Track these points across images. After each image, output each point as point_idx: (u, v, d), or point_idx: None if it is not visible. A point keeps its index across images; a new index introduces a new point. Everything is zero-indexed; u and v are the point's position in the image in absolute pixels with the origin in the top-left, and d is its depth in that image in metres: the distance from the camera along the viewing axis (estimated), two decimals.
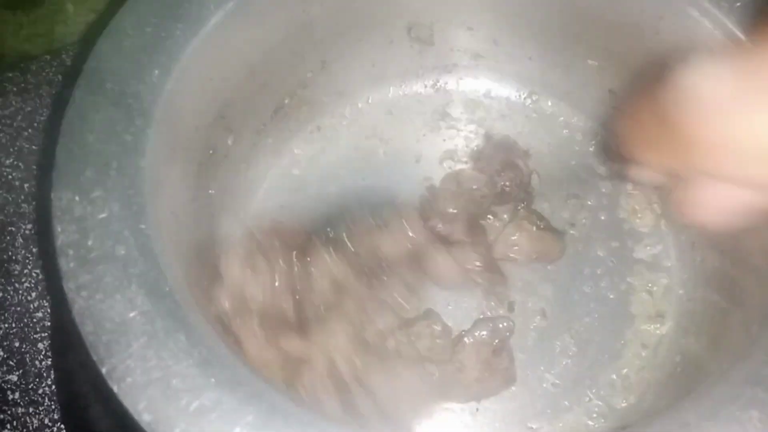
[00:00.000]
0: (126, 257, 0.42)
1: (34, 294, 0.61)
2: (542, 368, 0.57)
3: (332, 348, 0.51)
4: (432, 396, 0.54)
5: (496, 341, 0.56)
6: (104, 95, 0.47)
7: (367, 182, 0.64)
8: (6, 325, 0.60)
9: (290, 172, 0.65)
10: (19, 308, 0.61)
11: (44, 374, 0.58)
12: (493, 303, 0.59)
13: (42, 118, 0.69)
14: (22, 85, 0.71)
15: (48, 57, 0.72)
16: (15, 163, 0.67)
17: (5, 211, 0.64)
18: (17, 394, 0.57)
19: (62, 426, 0.57)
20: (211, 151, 0.56)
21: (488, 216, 0.62)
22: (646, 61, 0.59)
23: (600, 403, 0.56)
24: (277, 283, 0.53)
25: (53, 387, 0.58)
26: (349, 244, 0.55)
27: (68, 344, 0.56)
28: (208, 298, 0.50)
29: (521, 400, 0.56)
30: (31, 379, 0.58)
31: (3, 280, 0.62)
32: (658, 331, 0.58)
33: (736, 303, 0.52)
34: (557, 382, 0.57)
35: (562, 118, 0.67)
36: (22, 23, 0.74)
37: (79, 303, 0.40)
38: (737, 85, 0.32)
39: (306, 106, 0.65)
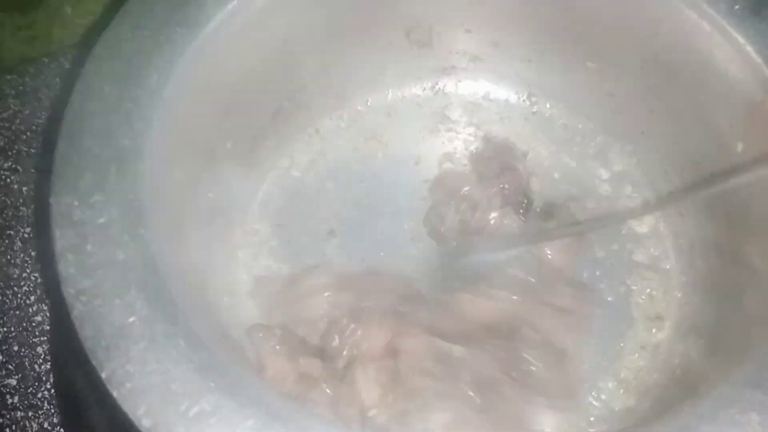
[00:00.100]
0: (125, 262, 0.42)
1: (33, 298, 0.61)
2: None
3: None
4: None
5: None
6: (103, 99, 0.47)
7: (366, 185, 0.64)
8: (5, 329, 0.60)
9: (289, 175, 0.65)
10: (18, 312, 0.60)
11: (43, 378, 0.58)
12: None
13: (40, 122, 0.69)
14: (20, 88, 0.70)
15: (46, 60, 0.72)
16: (13, 166, 0.67)
17: (3, 215, 0.64)
18: (16, 398, 0.57)
19: (61, 430, 0.56)
20: (210, 155, 0.56)
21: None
22: (644, 63, 0.59)
23: (598, 405, 0.56)
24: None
25: (52, 391, 0.58)
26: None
27: (67, 348, 0.56)
28: None
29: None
30: (30, 383, 0.58)
31: (2, 283, 0.61)
32: (657, 334, 0.58)
33: (736, 306, 0.52)
34: None
35: (561, 121, 0.67)
36: (20, 26, 0.74)
37: (78, 308, 0.40)
38: None
39: (305, 110, 0.65)
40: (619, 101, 0.64)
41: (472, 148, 0.66)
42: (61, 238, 0.42)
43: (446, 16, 0.64)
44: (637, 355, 0.57)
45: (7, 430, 0.56)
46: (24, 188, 0.66)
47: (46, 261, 0.61)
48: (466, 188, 0.61)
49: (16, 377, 0.58)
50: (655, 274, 0.60)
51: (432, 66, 0.68)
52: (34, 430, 0.56)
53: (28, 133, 0.68)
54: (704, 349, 0.53)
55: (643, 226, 0.62)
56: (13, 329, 0.60)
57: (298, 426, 0.38)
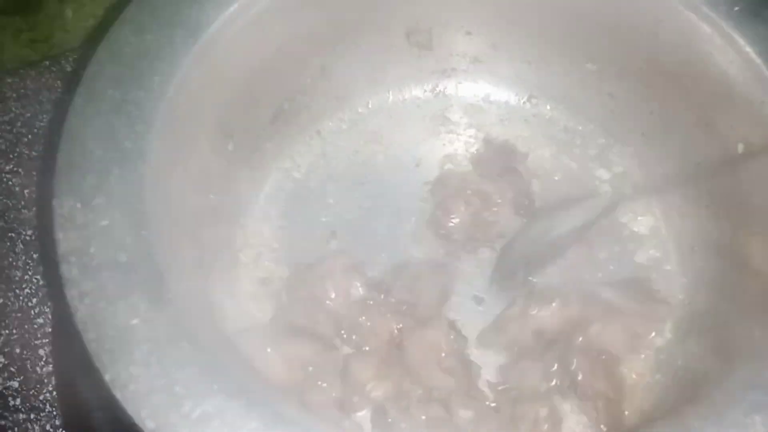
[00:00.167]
0: (128, 264, 0.42)
1: (34, 300, 0.61)
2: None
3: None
4: None
5: None
6: (105, 102, 0.47)
7: (367, 187, 0.64)
8: (7, 332, 0.60)
9: (290, 177, 0.65)
10: (19, 314, 0.60)
11: (45, 380, 0.58)
12: None
13: (42, 124, 0.69)
14: (22, 90, 0.70)
15: (47, 63, 0.72)
16: (15, 169, 0.67)
17: (5, 217, 0.64)
18: (18, 401, 0.57)
19: None
20: (211, 157, 0.56)
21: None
22: (645, 65, 0.59)
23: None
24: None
25: (54, 393, 0.58)
26: None
27: (69, 350, 0.56)
28: None
29: None
30: (32, 386, 0.58)
31: (4, 286, 0.61)
32: (659, 335, 0.58)
33: (738, 307, 0.52)
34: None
35: (561, 122, 0.67)
36: (21, 29, 0.74)
37: (81, 310, 0.40)
38: None
39: (306, 112, 0.65)
40: (619, 103, 0.64)
41: (473, 149, 0.66)
42: (64, 241, 0.43)
43: (446, 18, 0.65)
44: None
45: None
46: (25, 191, 0.66)
47: (49, 263, 0.61)
48: (473, 185, 0.61)
49: (18, 379, 0.58)
50: (656, 275, 0.60)
51: (432, 68, 0.68)
52: None
53: (30, 136, 0.68)
54: (706, 350, 0.53)
55: (644, 227, 0.62)
56: (15, 332, 0.60)
57: (301, 428, 0.38)
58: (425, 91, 0.69)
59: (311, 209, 0.63)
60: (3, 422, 0.56)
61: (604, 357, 0.55)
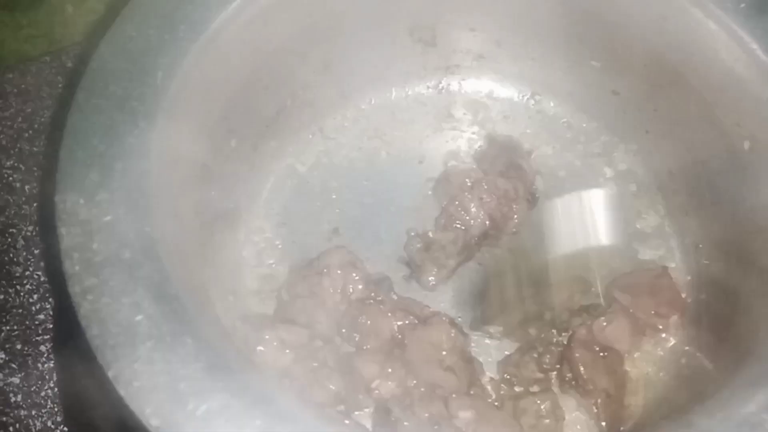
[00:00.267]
0: (131, 260, 0.42)
1: (35, 296, 0.61)
2: None
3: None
4: None
5: None
6: (108, 98, 0.47)
7: (370, 183, 0.64)
8: (8, 328, 0.59)
9: (293, 173, 0.64)
10: (20, 310, 0.60)
11: (46, 377, 0.58)
12: None
13: (42, 120, 0.69)
14: (22, 86, 0.70)
15: (48, 58, 0.72)
16: (15, 164, 0.67)
17: (6, 213, 0.64)
18: (19, 397, 0.57)
19: (65, 429, 0.56)
20: (214, 154, 0.56)
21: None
22: (649, 62, 0.59)
23: None
24: None
25: (55, 389, 0.57)
26: None
27: (70, 346, 0.56)
28: None
29: None
30: (33, 382, 0.58)
31: (4, 282, 0.61)
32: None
33: (742, 305, 0.52)
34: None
35: (565, 119, 0.67)
36: (22, 24, 0.74)
37: (84, 306, 0.40)
38: None
39: (308, 108, 0.65)
40: (623, 100, 0.64)
41: (477, 146, 0.66)
42: (67, 237, 0.42)
43: (450, 15, 0.64)
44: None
45: (11, 428, 0.56)
46: (26, 186, 0.65)
47: (51, 259, 0.60)
48: (483, 183, 0.61)
49: (20, 375, 0.58)
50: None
51: (436, 65, 0.68)
52: (37, 428, 0.56)
53: (30, 132, 0.68)
54: (710, 348, 0.53)
55: (648, 225, 0.62)
56: (16, 327, 0.60)
57: (305, 426, 0.38)
58: (429, 87, 0.69)
59: (314, 206, 0.63)
60: (4, 419, 0.56)
61: (606, 353, 0.54)
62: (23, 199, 0.65)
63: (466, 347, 0.55)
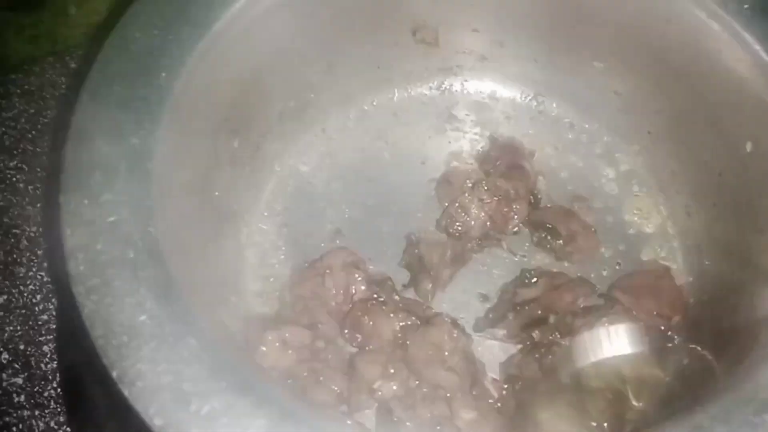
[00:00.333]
0: (135, 261, 0.42)
1: (39, 296, 0.61)
2: None
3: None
4: None
5: None
6: (112, 98, 0.47)
7: (372, 184, 0.64)
8: (11, 328, 0.60)
9: (296, 174, 0.64)
10: (24, 311, 0.60)
11: (50, 377, 0.58)
12: None
13: (46, 121, 0.69)
14: (26, 87, 0.71)
15: (51, 59, 0.72)
16: (19, 165, 0.67)
17: (10, 214, 0.64)
18: (23, 397, 0.57)
19: (68, 429, 0.56)
20: (217, 154, 0.56)
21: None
22: (652, 62, 0.59)
23: None
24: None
25: (59, 390, 0.58)
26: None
27: (74, 347, 0.56)
28: None
29: None
30: (36, 382, 0.58)
31: (8, 282, 0.61)
32: (665, 334, 0.57)
33: (744, 306, 0.52)
34: None
35: (567, 120, 0.67)
36: (25, 25, 0.74)
37: (88, 307, 0.40)
38: None
39: (311, 109, 0.65)
40: (625, 101, 0.64)
41: (479, 147, 0.66)
42: (72, 237, 0.42)
43: (453, 16, 0.64)
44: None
45: (14, 428, 0.56)
46: (30, 187, 0.66)
47: (54, 260, 0.61)
48: (483, 184, 0.61)
49: (23, 376, 0.58)
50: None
51: (438, 65, 0.68)
52: (40, 428, 0.56)
53: (34, 132, 0.68)
54: (712, 349, 0.53)
55: (650, 226, 0.62)
56: (19, 328, 0.60)
57: (309, 426, 0.38)
58: (431, 88, 0.69)
59: (316, 207, 0.63)
60: (8, 419, 0.56)
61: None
62: (26, 199, 0.65)
63: (468, 348, 0.55)
